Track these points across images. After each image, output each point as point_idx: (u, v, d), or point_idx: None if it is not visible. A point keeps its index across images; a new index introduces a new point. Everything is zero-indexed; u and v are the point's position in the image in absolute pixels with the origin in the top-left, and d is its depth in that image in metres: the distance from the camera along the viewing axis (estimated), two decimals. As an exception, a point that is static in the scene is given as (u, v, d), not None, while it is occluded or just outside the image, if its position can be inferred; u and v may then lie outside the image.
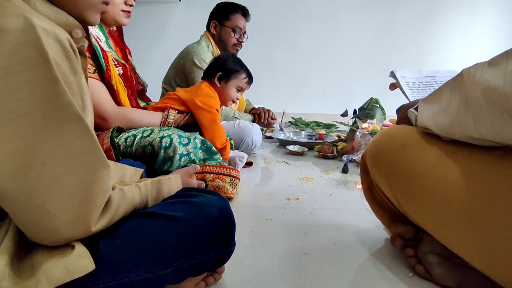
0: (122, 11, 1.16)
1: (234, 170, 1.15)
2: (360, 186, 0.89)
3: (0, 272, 0.38)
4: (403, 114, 0.78)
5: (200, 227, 0.53)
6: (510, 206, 0.49)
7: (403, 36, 3.66)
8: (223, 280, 0.68)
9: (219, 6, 1.89)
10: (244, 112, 2.09)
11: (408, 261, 0.75)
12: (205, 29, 1.95)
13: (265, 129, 2.39)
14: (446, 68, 3.59)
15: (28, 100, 0.37)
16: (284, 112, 2.49)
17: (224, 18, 1.85)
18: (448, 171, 0.58)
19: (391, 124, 1.91)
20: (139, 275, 0.46)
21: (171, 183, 0.63)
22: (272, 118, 1.99)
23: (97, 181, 0.42)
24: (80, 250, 0.42)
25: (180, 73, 1.85)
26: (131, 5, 1.17)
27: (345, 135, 2.13)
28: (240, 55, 2.03)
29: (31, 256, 0.42)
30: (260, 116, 1.96)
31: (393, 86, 1.04)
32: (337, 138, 2.10)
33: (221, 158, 1.22)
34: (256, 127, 1.81)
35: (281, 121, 2.53)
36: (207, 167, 1.12)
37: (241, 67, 1.47)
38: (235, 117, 1.84)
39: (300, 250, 0.83)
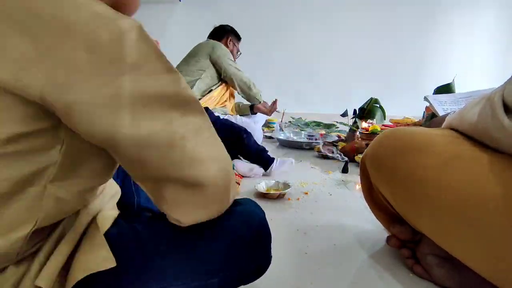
0: None
1: (235, 175, 1.15)
2: (360, 187, 0.89)
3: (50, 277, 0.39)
4: (435, 127, 0.82)
5: (245, 237, 0.52)
6: None
7: (404, 36, 3.66)
8: (223, 280, 0.68)
9: (233, 29, 2.10)
10: (244, 109, 2.15)
11: (405, 262, 0.76)
12: (210, 36, 2.06)
13: (265, 129, 2.39)
14: (446, 69, 3.59)
15: (154, 85, 0.38)
16: (284, 112, 2.49)
17: (238, 40, 2.11)
18: (452, 177, 0.57)
19: (391, 124, 1.91)
20: (186, 283, 0.47)
21: None
22: (274, 108, 2.13)
23: (224, 151, 0.46)
24: (105, 253, 0.43)
25: (203, 63, 1.90)
26: None
27: (345, 135, 2.13)
28: (241, 54, 2.08)
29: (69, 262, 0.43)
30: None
31: (428, 109, 1.21)
32: (337, 138, 2.10)
33: None
34: (258, 125, 1.84)
35: (281, 121, 2.53)
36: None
37: None
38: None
39: (300, 250, 0.83)
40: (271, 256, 0.57)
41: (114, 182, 0.58)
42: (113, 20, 0.36)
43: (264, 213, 0.58)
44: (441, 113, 1.14)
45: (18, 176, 0.36)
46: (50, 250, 0.41)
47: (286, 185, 1.22)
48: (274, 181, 1.26)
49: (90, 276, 0.41)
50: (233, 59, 1.97)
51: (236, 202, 0.56)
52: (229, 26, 2.11)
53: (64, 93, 0.34)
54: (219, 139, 0.46)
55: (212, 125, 0.45)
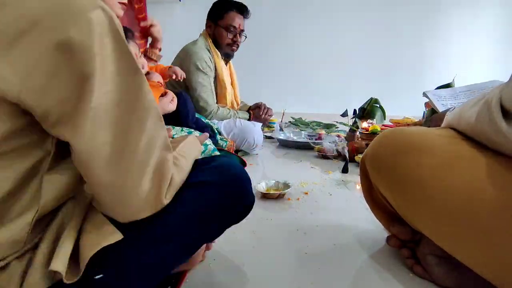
0: (119, 2, 1.19)
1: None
2: (360, 187, 0.89)
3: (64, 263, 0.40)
4: (435, 124, 0.83)
5: (229, 186, 0.58)
6: None
7: (404, 36, 3.66)
8: (223, 280, 0.69)
9: (214, 4, 1.83)
10: (243, 115, 2.11)
11: (405, 262, 0.76)
12: (204, 28, 1.94)
13: (265, 129, 2.39)
14: (446, 69, 3.59)
15: (116, 91, 0.38)
16: (284, 112, 2.50)
17: (218, 17, 1.79)
18: (451, 177, 0.57)
19: (391, 124, 1.91)
20: (186, 239, 0.53)
21: (198, 146, 0.68)
22: (270, 115, 2.00)
23: (166, 161, 0.46)
24: (109, 229, 0.45)
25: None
26: None
27: (345, 135, 2.13)
28: (239, 55, 2.00)
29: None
30: (260, 108, 1.97)
31: (428, 105, 1.21)
32: (337, 138, 2.10)
33: None
34: (258, 126, 1.82)
35: (281, 121, 2.54)
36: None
37: None
38: (232, 117, 1.85)
39: (300, 250, 0.83)
40: (254, 197, 0.64)
41: None
42: (83, 13, 0.35)
43: (236, 160, 0.65)
44: (440, 108, 1.13)
45: (20, 172, 0.38)
46: (53, 239, 0.43)
47: (286, 185, 1.22)
48: (274, 181, 1.26)
49: (97, 255, 0.42)
50: (198, 65, 1.73)
51: (212, 159, 0.63)
52: (212, 5, 1.83)
53: (40, 99, 0.35)
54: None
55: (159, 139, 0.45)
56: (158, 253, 0.49)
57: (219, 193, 0.56)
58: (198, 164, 0.62)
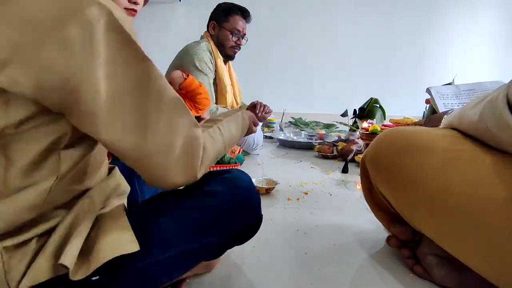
0: (125, 8, 1.14)
1: None
2: (360, 187, 0.89)
3: (73, 257, 0.41)
4: (433, 124, 0.83)
5: (234, 197, 0.57)
6: None
7: (403, 36, 3.66)
8: (223, 280, 0.69)
9: (219, 6, 1.87)
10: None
11: (405, 262, 0.76)
12: (206, 29, 1.94)
13: (265, 129, 2.39)
14: (446, 69, 3.59)
15: (125, 80, 0.40)
16: (284, 112, 2.50)
17: (223, 20, 1.83)
18: (452, 177, 0.57)
19: (391, 124, 1.91)
20: (188, 245, 0.52)
21: (245, 123, 0.72)
22: (266, 112, 1.97)
23: (195, 137, 0.48)
24: (130, 237, 0.46)
25: None
26: (135, 3, 1.15)
27: (345, 135, 2.14)
28: (239, 55, 2.01)
29: (90, 242, 0.45)
30: (256, 107, 1.95)
31: (428, 101, 1.23)
32: (337, 138, 2.10)
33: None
34: (257, 126, 1.82)
35: (281, 121, 2.54)
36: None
37: None
38: None
39: (300, 250, 0.83)
40: (262, 216, 0.63)
41: (125, 181, 0.60)
42: (80, 10, 0.36)
43: (249, 177, 0.64)
44: (441, 107, 1.13)
45: (40, 148, 0.40)
46: (66, 232, 0.44)
47: (274, 182, 1.26)
48: (262, 178, 1.29)
49: None
50: (197, 65, 1.74)
51: (226, 171, 0.63)
52: (216, 7, 1.85)
53: (50, 97, 0.37)
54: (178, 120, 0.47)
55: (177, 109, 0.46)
56: (153, 262, 0.49)
57: (224, 205, 0.55)
58: (208, 175, 0.62)
